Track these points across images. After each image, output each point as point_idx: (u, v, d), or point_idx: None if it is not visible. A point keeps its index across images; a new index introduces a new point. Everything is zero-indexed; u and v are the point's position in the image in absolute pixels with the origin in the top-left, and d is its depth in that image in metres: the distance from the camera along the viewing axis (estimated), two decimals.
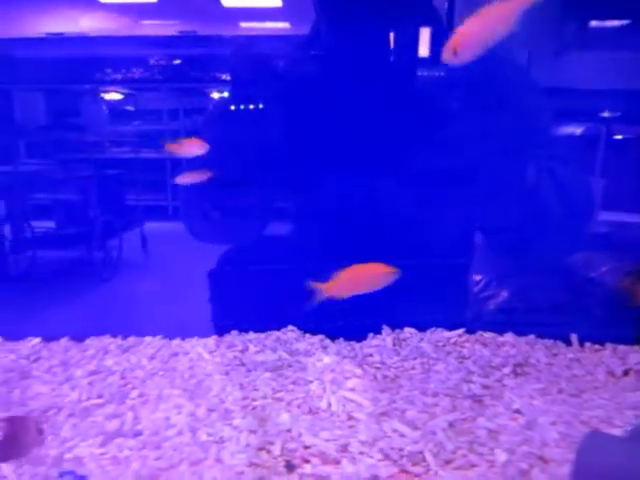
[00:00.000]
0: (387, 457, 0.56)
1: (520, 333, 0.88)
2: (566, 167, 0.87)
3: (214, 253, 1.02)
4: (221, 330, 0.91)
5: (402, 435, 0.60)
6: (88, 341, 0.88)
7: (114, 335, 0.90)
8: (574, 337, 0.84)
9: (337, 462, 0.56)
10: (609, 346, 0.83)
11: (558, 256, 1.07)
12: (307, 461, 0.56)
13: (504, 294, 1.39)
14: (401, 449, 0.57)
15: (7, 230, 3.30)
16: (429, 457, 0.55)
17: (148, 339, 0.89)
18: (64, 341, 0.87)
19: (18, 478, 0.52)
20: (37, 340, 0.86)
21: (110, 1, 3.65)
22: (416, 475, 0.54)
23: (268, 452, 0.58)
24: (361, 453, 0.57)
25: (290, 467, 0.55)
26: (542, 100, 0.93)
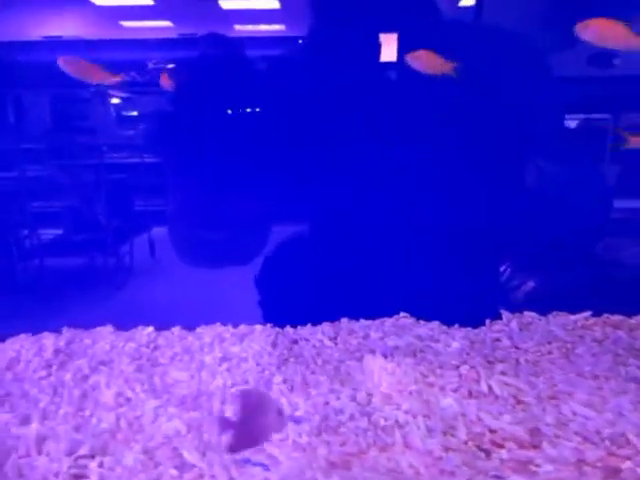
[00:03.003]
0: (587, 440, 0.53)
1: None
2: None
3: None
4: (331, 318, 0.88)
5: (588, 417, 0.57)
6: (199, 329, 0.84)
7: (224, 324, 0.86)
8: None
9: (535, 446, 0.52)
10: None
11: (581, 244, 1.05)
12: (500, 445, 0.53)
13: (531, 283, 1.36)
14: (598, 431, 0.54)
15: (16, 238, 3.20)
16: (634, 439, 0.52)
17: (259, 327, 0.86)
18: (176, 330, 0.83)
19: (209, 467, 0.49)
20: (150, 329, 0.82)
21: (105, 3, 3.60)
22: (627, 458, 0.50)
23: (453, 436, 0.54)
24: (557, 436, 0.53)
25: (486, 452, 0.52)
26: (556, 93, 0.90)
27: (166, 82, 0.72)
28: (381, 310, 0.89)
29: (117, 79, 0.70)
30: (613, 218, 1.08)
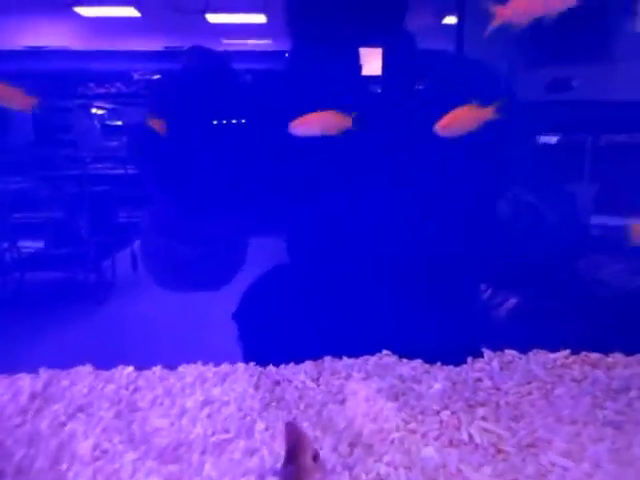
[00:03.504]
0: None
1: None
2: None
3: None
4: (314, 356, 0.88)
5: (566, 468, 0.57)
6: (181, 368, 0.84)
7: (205, 362, 0.86)
8: None
9: None
10: None
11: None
12: None
13: (513, 300, 1.39)
14: None
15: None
16: None
17: (241, 366, 0.85)
18: (157, 369, 0.83)
19: None
20: (130, 369, 0.81)
21: (91, 15, 3.57)
22: None
23: None
24: None
25: None
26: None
27: (154, 123, 0.72)
28: (364, 347, 0.89)
29: (34, 101, 0.69)
30: (593, 236, 1.11)
